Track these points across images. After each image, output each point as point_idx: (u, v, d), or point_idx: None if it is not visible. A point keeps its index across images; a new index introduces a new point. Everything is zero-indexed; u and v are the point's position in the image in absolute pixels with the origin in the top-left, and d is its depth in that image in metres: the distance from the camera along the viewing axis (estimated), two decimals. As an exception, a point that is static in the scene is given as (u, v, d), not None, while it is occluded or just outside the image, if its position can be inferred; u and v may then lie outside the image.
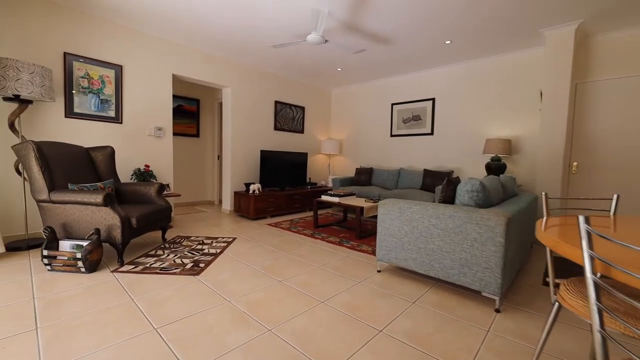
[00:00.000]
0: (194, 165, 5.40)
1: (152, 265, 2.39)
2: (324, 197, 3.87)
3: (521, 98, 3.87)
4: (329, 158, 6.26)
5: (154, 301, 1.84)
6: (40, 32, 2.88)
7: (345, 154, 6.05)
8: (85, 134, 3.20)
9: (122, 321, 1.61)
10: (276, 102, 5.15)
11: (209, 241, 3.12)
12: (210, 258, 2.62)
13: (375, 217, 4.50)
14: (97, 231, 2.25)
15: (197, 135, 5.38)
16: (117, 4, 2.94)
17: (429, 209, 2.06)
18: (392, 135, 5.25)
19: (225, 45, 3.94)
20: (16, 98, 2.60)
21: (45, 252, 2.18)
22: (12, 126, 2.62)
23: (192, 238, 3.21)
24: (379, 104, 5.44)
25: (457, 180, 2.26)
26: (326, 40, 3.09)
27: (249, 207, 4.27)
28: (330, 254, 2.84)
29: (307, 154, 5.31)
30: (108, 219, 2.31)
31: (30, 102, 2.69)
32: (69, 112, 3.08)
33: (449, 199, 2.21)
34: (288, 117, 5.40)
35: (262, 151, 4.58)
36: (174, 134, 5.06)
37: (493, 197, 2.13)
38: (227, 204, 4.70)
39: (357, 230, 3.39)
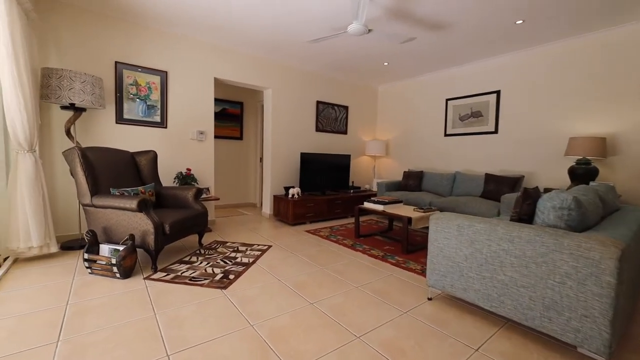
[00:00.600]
0: (238, 168, 5.45)
1: (183, 274, 2.32)
2: (367, 204, 3.52)
3: (622, 86, 3.05)
4: (374, 160, 5.86)
5: (175, 319, 1.71)
6: (96, 45, 3.05)
7: (392, 156, 5.59)
8: (134, 139, 3.33)
9: (137, 341, 1.50)
10: (318, 102, 4.94)
11: (244, 248, 3.00)
12: (241, 269, 2.47)
13: (426, 228, 3.99)
14: (132, 237, 2.24)
15: (240, 138, 5.43)
16: (162, 11, 2.98)
17: (499, 230, 1.61)
18: (446, 135, 4.66)
19: (264, 46, 3.83)
20: (71, 106, 2.76)
21: (86, 256, 2.22)
22: (68, 132, 2.79)
23: (227, 244, 3.13)
24: (431, 100, 4.88)
25: (537, 193, 1.75)
26: (369, 30, 2.75)
27: (287, 212, 4.10)
28: (372, 272, 2.50)
29: (350, 156, 5.00)
30: (142, 224, 2.29)
31: (83, 109, 2.85)
32: (119, 118, 3.23)
33: (525, 216, 1.72)
34: (330, 117, 5.15)
35: (302, 154, 4.39)
36: (218, 137, 5.16)
37: (590, 216, 1.60)
38: (267, 207, 4.61)
39: (404, 244, 2.98)
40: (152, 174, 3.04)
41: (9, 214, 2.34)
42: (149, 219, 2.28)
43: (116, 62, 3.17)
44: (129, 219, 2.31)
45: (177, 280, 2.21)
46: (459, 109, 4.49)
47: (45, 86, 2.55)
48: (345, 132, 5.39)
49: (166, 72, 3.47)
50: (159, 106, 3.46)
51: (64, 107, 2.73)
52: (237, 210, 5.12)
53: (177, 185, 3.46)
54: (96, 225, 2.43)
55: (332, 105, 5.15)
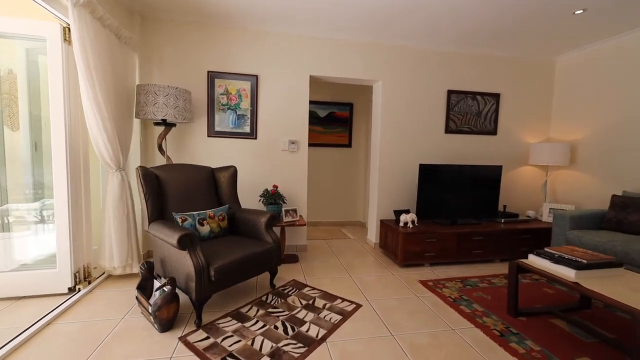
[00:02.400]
0: (345, 180, 4.69)
1: (223, 342, 1.67)
2: (535, 261, 1.97)
3: None
4: (545, 173, 3.79)
5: None
6: (192, 57, 2.95)
7: (581, 167, 3.43)
8: (223, 153, 3.08)
9: None
10: (449, 93, 3.52)
11: (322, 303, 2.14)
12: (302, 350, 1.61)
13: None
14: (172, 281, 1.78)
15: (349, 145, 4.64)
16: (249, 4, 2.54)
17: None
18: None
19: (370, 25, 2.86)
20: (163, 122, 2.68)
21: (136, 293, 1.92)
22: (160, 148, 2.74)
23: (305, 290, 2.35)
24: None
25: None
26: None
27: (396, 246, 2.97)
28: None
29: (501, 167, 3.32)
30: (187, 265, 1.80)
31: (173, 125, 2.74)
32: (211, 131, 3.04)
33: None
34: (469, 112, 3.60)
35: (422, 166, 3.14)
36: (323, 145, 4.54)
37: None
38: (372, 234, 3.60)
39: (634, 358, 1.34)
40: (230, 193, 2.63)
41: (102, 232, 2.37)
42: (192, 259, 1.77)
43: (208, 72, 2.98)
44: (178, 254, 1.88)
45: (211, 353, 1.58)
46: None
47: (137, 103, 2.53)
48: (493, 132, 3.68)
49: (256, 75, 3.07)
50: (248, 115, 3.10)
51: (157, 123, 2.69)
52: (340, 230, 4.35)
53: (264, 204, 2.99)
54: (157, 255, 2.15)
55: (473, 94, 3.59)
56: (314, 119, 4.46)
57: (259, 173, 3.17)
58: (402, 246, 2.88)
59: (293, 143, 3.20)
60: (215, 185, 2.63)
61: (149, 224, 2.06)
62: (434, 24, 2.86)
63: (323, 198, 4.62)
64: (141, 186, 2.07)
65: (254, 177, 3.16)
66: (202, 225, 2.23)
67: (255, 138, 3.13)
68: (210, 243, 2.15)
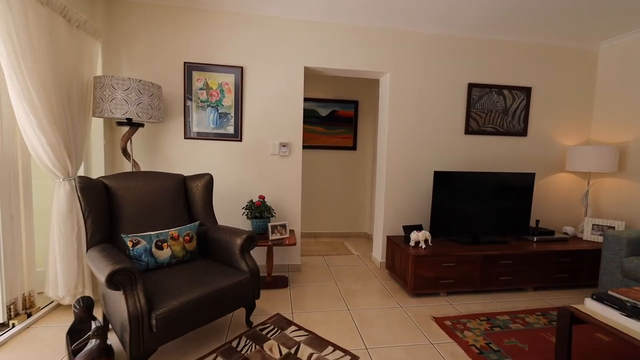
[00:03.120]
0: (349, 187, 4.19)
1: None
2: (596, 310, 1.43)
3: None
4: (587, 182, 3.19)
5: None
6: (165, 46, 2.53)
7: (632, 175, 2.83)
8: (203, 157, 2.65)
9: None
10: (471, 86, 2.98)
11: (308, 354, 1.66)
12: None
13: None
14: (99, 332, 1.34)
15: (353, 147, 4.15)
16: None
17: None
18: None
19: (377, 5, 2.37)
20: (128, 122, 2.27)
21: (65, 340, 1.50)
22: (124, 151, 2.33)
23: (289, 331, 1.88)
24: None
25: None
26: None
27: (405, 270, 2.46)
28: None
29: (534, 175, 2.76)
30: (122, 309, 1.36)
31: (140, 124, 2.32)
32: (189, 133, 2.61)
33: None
34: (494, 109, 3.05)
35: (437, 173, 2.62)
36: (325, 147, 4.07)
37: None
38: (378, 252, 3.09)
39: None
40: (204, 206, 2.19)
41: (47, 253, 1.97)
42: (126, 302, 1.32)
43: (185, 64, 2.56)
44: (114, 293, 1.44)
45: None
46: None
47: (94, 99, 2.12)
48: (522, 133, 3.12)
49: (241, 67, 2.63)
50: (232, 113, 2.66)
51: (120, 123, 2.28)
52: (342, 244, 3.86)
53: (248, 218, 2.54)
54: (99, 289, 1.72)
55: (499, 88, 3.03)
56: (314, 118, 3.99)
57: (244, 181, 2.72)
58: (412, 271, 2.37)
59: (284, 146, 2.74)
60: (186, 196, 2.20)
61: (86, 250, 1.63)
62: (455, 3, 2.34)
63: (324, 207, 4.14)
64: (79, 201, 1.64)
65: (238, 185, 2.72)
66: (161, 249, 1.80)
67: (240, 140, 2.69)
68: (166, 273, 1.71)
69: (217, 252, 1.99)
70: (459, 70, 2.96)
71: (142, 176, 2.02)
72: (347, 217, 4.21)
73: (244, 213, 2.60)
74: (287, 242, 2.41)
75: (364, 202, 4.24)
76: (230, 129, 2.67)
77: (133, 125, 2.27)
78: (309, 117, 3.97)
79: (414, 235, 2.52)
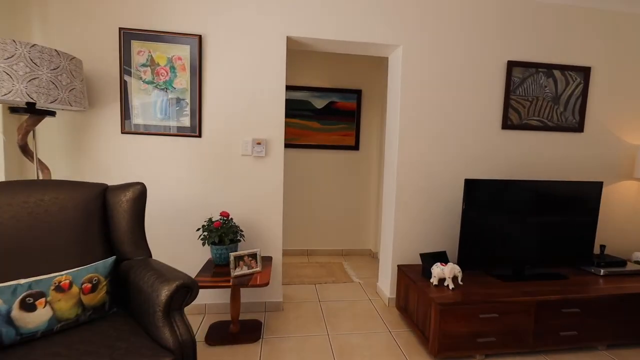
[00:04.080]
0: (350, 195, 3.46)
1: None
2: None
3: None
4: (663, 192, 2.41)
5: None
6: (89, 5, 1.84)
7: None
8: (148, 159, 1.96)
9: None
10: (510, 65, 2.22)
11: None
12: None
13: None
14: None
15: (355, 147, 3.42)
16: None
17: None
18: None
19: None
20: (29, 107, 1.58)
21: None
22: (24, 150, 1.64)
23: None
24: None
25: None
26: None
27: (425, 321, 1.72)
28: None
29: (600, 184, 2.00)
30: None
31: (49, 112, 1.64)
32: (127, 125, 1.92)
33: None
34: (541, 95, 2.29)
35: (469, 182, 1.88)
36: (320, 146, 3.34)
37: None
38: (385, 283, 2.35)
39: None
40: (131, 230, 1.49)
41: None
42: None
43: (121, 30, 1.87)
44: None
45: None
46: None
47: (-32, 73, 1.44)
48: (577, 128, 2.35)
49: (199, 36, 1.92)
50: (187, 99, 1.96)
51: (13, 110, 1.59)
52: (341, 266, 3.12)
53: (205, 243, 1.83)
54: None
55: (548, 67, 2.27)
56: (307, 111, 3.27)
57: (204, 192, 2.02)
58: (436, 325, 1.63)
59: (259, 144, 2.03)
60: (104, 217, 1.49)
61: None
62: None
63: (320, 219, 3.42)
64: None
65: (195, 198, 2.01)
66: (33, 309, 1.09)
67: (199, 136, 1.98)
68: (34, 354, 1.01)
69: (138, 306, 1.28)
70: (495, 43, 2.21)
71: (24, 187, 1.32)
72: (347, 231, 3.48)
73: (199, 237, 1.88)
74: (254, 282, 1.68)
75: (368, 213, 3.50)
76: (185, 121, 1.96)
77: (34, 112, 1.59)
78: (302, 110, 3.25)
79: (438, 271, 1.78)
